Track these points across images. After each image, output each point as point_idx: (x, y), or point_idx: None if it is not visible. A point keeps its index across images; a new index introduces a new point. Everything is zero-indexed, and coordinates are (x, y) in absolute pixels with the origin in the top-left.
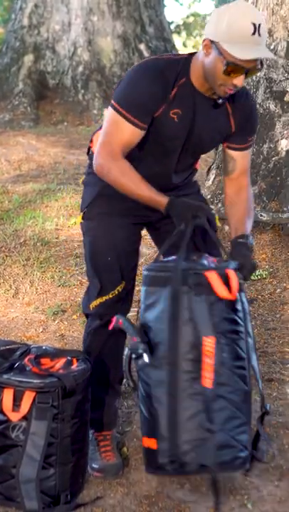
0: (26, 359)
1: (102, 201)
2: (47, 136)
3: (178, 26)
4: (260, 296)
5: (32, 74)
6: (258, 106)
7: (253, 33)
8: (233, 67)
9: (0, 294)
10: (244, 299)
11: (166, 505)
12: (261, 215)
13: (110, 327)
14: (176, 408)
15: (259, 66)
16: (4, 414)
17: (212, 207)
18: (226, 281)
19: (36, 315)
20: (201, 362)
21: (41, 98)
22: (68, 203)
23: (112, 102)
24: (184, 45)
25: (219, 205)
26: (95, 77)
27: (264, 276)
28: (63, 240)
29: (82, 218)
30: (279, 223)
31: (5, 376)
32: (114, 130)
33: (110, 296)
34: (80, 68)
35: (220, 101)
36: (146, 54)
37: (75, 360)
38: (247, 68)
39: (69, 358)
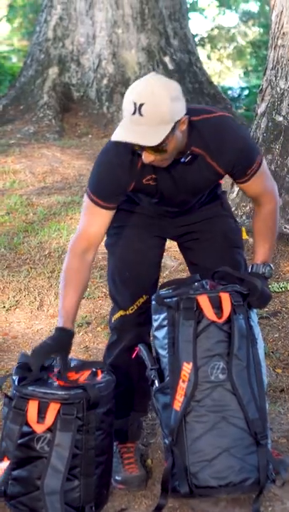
0: (51, 373)
1: (119, 215)
2: (71, 149)
3: (202, 39)
4: (284, 309)
5: (56, 86)
6: (281, 118)
7: (133, 113)
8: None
9: (25, 306)
10: (241, 322)
11: None
12: (285, 228)
13: (133, 356)
14: (182, 431)
15: (140, 144)
16: (29, 426)
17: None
18: (219, 304)
19: None
20: (177, 386)
21: (66, 110)
22: None
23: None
24: (209, 57)
25: (243, 217)
26: (120, 89)
27: (288, 288)
28: None
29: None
30: None
31: (30, 388)
32: (84, 215)
33: (130, 311)
34: (105, 81)
35: (182, 160)
36: (170, 66)
37: (100, 371)
38: (142, 146)
39: (94, 369)
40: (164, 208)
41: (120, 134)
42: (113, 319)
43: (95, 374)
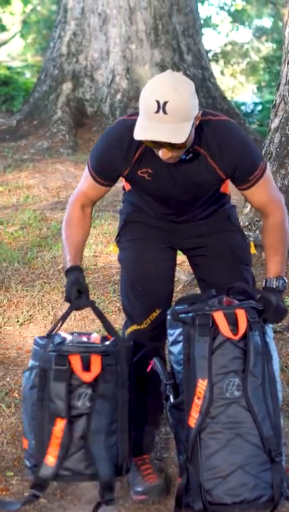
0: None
1: (129, 228)
2: (85, 164)
3: (216, 54)
4: None
5: (70, 101)
6: None
7: (157, 111)
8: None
9: (38, 321)
10: (257, 338)
11: None
12: None
13: (148, 369)
14: (196, 448)
15: (169, 141)
16: (77, 376)
17: (250, 233)
18: (235, 321)
19: None
20: (192, 402)
21: (79, 126)
22: (106, 229)
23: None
24: (222, 73)
25: (257, 231)
26: (133, 104)
27: None
28: (101, 267)
29: (116, 246)
30: None
31: (67, 344)
32: (83, 181)
33: (144, 325)
34: (118, 96)
35: (183, 157)
36: None
37: (109, 336)
38: (159, 143)
39: (102, 335)
40: (163, 210)
41: (145, 132)
42: (126, 333)
43: (105, 338)
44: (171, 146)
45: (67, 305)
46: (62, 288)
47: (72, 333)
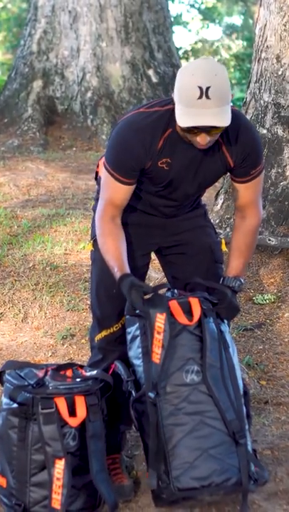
0: (45, 375)
1: None
2: (56, 162)
3: (186, 52)
4: (268, 321)
5: (41, 99)
6: (265, 131)
7: (200, 97)
8: (186, 129)
9: (9, 319)
10: (212, 325)
11: None
12: (270, 240)
13: (109, 373)
14: (161, 437)
15: (219, 125)
16: (64, 422)
17: (220, 231)
18: (189, 309)
19: (45, 339)
20: (152, 338)
21: (50, 123)
22: (77, 227)
23: (104, 160)
24: None
25: (228, 229)
26: (104, 102)
27: (272, 300)
28: (72, 265)
29: (92, 246)
30: (287, 248)
31: (51, 386)
32: (106, 188)
33: (114, 329)
34: (89, 94)
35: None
36: (154, 79)
37: (79, 368)
38: (202, 129)
39: (74, 367)
40: (163, 202)
41: (192, 119)
42: (96, 339)
43: (77, 370)
44: (207, 132)
45: (37, 304)
46: (32, 286)
47: (41, 367)
